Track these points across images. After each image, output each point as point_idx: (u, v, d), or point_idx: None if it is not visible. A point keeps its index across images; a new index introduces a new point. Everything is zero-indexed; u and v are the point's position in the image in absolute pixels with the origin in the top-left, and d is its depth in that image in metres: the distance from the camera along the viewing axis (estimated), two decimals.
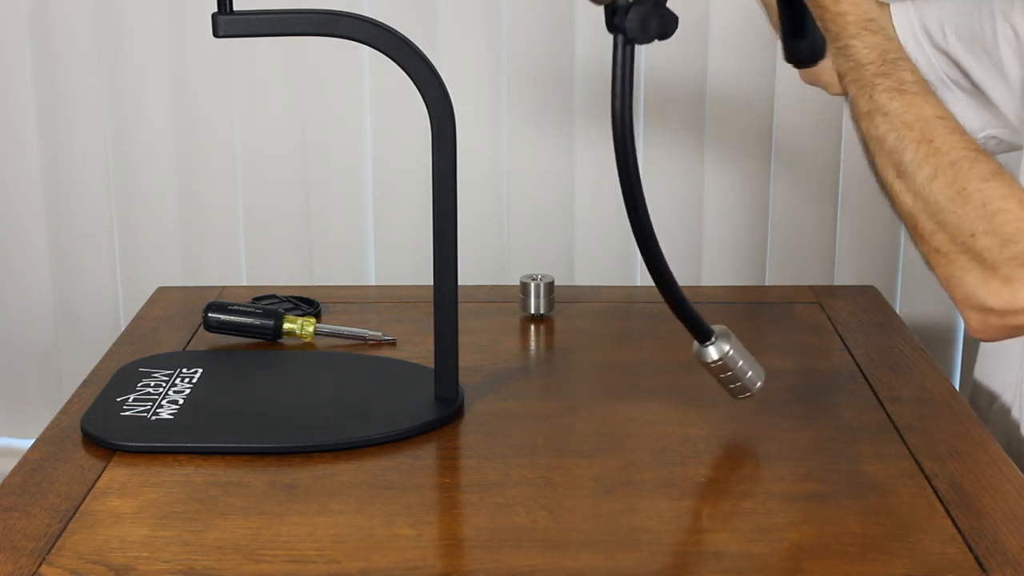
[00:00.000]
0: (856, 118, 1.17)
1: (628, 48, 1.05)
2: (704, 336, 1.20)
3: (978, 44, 1.43)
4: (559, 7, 1.97)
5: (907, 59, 1.16)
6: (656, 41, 1.06)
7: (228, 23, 1.21)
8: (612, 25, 1.06)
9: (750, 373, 1.22)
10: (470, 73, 2.00)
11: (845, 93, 1.18)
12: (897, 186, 1.13)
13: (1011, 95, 1.43)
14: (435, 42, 1.98)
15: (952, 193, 1.10)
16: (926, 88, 1.14)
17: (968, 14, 1.44)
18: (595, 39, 1.96)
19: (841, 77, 1.18)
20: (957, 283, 1.11)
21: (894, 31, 1.31)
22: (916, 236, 1.14)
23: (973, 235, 1.09)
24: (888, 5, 1.48)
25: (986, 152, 1.12)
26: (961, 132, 1.12)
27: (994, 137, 1.48)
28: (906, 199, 1.13)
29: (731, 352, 1.20)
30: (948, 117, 1.13)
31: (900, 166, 1.12)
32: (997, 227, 1.08)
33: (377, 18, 1.21)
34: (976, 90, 1.45)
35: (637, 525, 1.08)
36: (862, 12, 1.16)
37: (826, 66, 1.49)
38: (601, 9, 1.07)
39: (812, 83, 1.55)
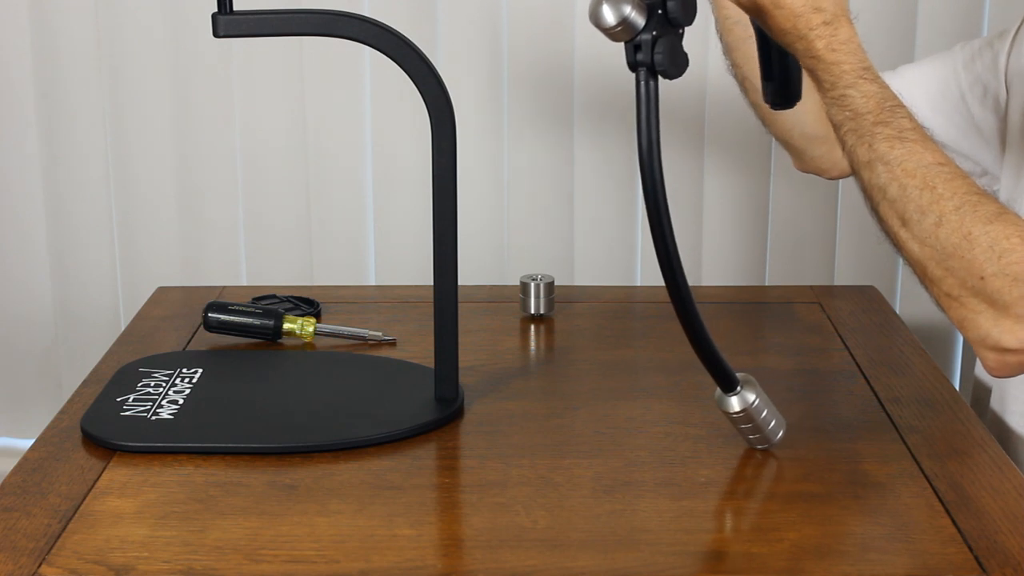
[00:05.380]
0: (856, 168, 1.16)
1: (653, 84, 1.02)
2: (730, 385, 1.15)
3: (947, 101, 1.46)
4: (559, 7, 1.97)
5: (903, 106, 1.15)
6: (670, 80, 1.03)
7: (228, 23, 1.21)
8: (636, 62, 1.03)
9: (772, 423, 1.18)
10: (470, 73, 2.00)
11: (842, 144, 1.17)
12: (903, 235, 1.13)
13: (987, 145, 1.46)
14: (435, 42, 1.98)
15: (958, 238, 1.09)
16: (924, 135, 1.14)
17: (927, 75, 1.48)
18: (595, 39, 1.96)
19: (837, 128, 1.17)
20: (971, 325, 1.11)
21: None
22: (926, 281, 1.14)
23: (983, 278, 1.09)
24: None
25: (988, 194, 1.12)
26: (963, 176, 1.12)
27: None
28: (913, 247, 1.13)
29: (756, 403, 1.16)
30: (948, 163, 1.13)
31: (904, 215, 1.12)
32: (1005, 267, 1.08)
33: (377, 18, 1.21)
34: (949, 149, 1.46)
35: (637, 525, 1.08)
36: (858, 61, 1.14)
37: (816, 154, 1.52)
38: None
39: (807, 171, 1.57)
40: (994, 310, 1.09)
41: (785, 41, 1.16)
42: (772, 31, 1.16)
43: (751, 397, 1.16)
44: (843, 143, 1.16)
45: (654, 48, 1.02)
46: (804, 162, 1.56)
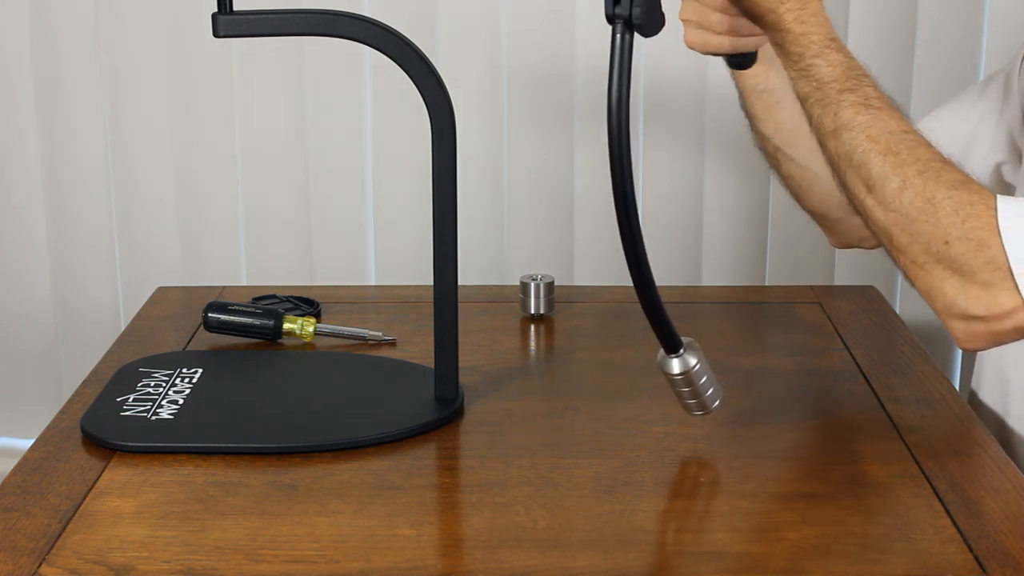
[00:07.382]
0: (822, 139, 1.16)
1: (629, 37, 1.04)
2: (673, 347, 1.15)
3: (969, 143, 1.44)
4: (559, 7, 1.97)
5: (869, 76, 1.16)
6: (645, 37, 1.05)
7: (228, 23, 1.21)
8: (614, 14, 1.04)
9: (710, 391, 1.18)
10: (470, 73, 2.00)
11: (809, 119, 1.17)
12: (868, 202, 1.13)
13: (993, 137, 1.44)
14: (435, 42, 1.98)
15: (922, 203, 1.10)
16: (890, 104, 1.15)
17: (943, 121, 1.44)
18: (595, 39, 1.96)
19: (803, 101, 1.17)
20: (937, 293, 1.11)
21: None
22: (893, 250, 1.14)
23: (947, 242, 1.09)
24: None
25: (952, 162, 1.12)
26: (927, 144, 1.12)
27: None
28: (878, 214, 1.13)
29: (697, 367, 1.16)
30: (913, 131, 1.13)
31: (869, 180, 1.12)
32: (969, 232, 1.08)
33: (377, 18, 1.21)
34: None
35: (637, 525, 1.08)
36: (825, 32, 1.15)
37: (856, 222, 1.40)
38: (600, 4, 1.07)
39: (846, 245, 1.52)
40: (959, 277, 1.09)
41: (755, 14, 1.18)
42: (743, 5, 1.17)
43: (692, 361, 1.15)
44: (809, 117, 1.17)
45: (633, 1, 1.03)
46: (844, 235, 1.50)
